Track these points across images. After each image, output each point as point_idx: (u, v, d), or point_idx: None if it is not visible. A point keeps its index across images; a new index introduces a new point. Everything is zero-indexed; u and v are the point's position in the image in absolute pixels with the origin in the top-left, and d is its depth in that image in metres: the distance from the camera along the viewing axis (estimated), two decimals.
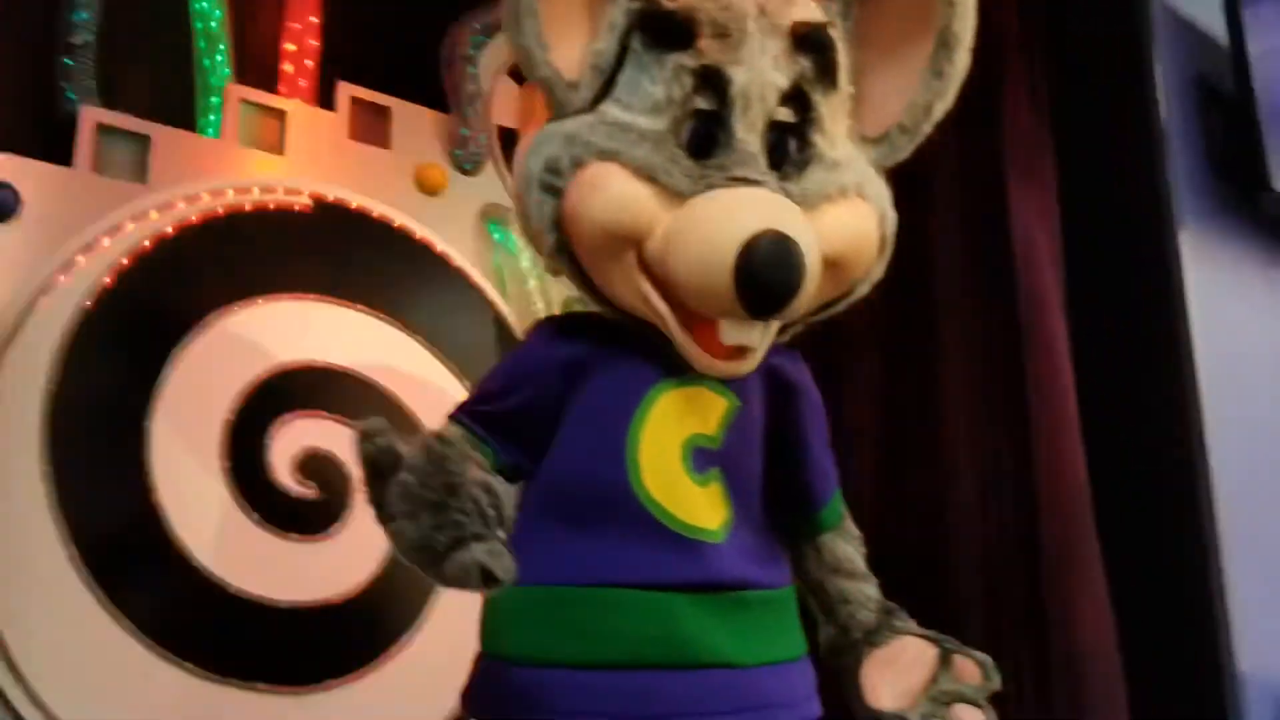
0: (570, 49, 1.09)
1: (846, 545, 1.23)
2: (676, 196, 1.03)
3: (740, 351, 1.07)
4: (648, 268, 1.06)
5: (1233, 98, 2.03)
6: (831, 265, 1.08)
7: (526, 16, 1.05)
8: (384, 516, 0.97)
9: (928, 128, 1.17)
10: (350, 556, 1.78)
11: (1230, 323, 1.94)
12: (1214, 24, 2.12)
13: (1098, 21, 2.08)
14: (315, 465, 1.81)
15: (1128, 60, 2.02)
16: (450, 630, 1.83)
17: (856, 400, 1.99)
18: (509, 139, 2.22)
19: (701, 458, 1.10)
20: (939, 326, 1.93)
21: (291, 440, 1.80)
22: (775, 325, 1.10)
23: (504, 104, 2.24)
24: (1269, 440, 1.98)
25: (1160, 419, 1.85)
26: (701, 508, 1.09)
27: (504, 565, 0.91)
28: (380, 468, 0.96)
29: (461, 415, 1.14)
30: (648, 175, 1.03)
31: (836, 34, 1.13)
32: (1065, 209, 1.91)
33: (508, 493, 1.05)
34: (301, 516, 1.78)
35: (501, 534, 0.95)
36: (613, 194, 1.03)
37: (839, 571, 1.21)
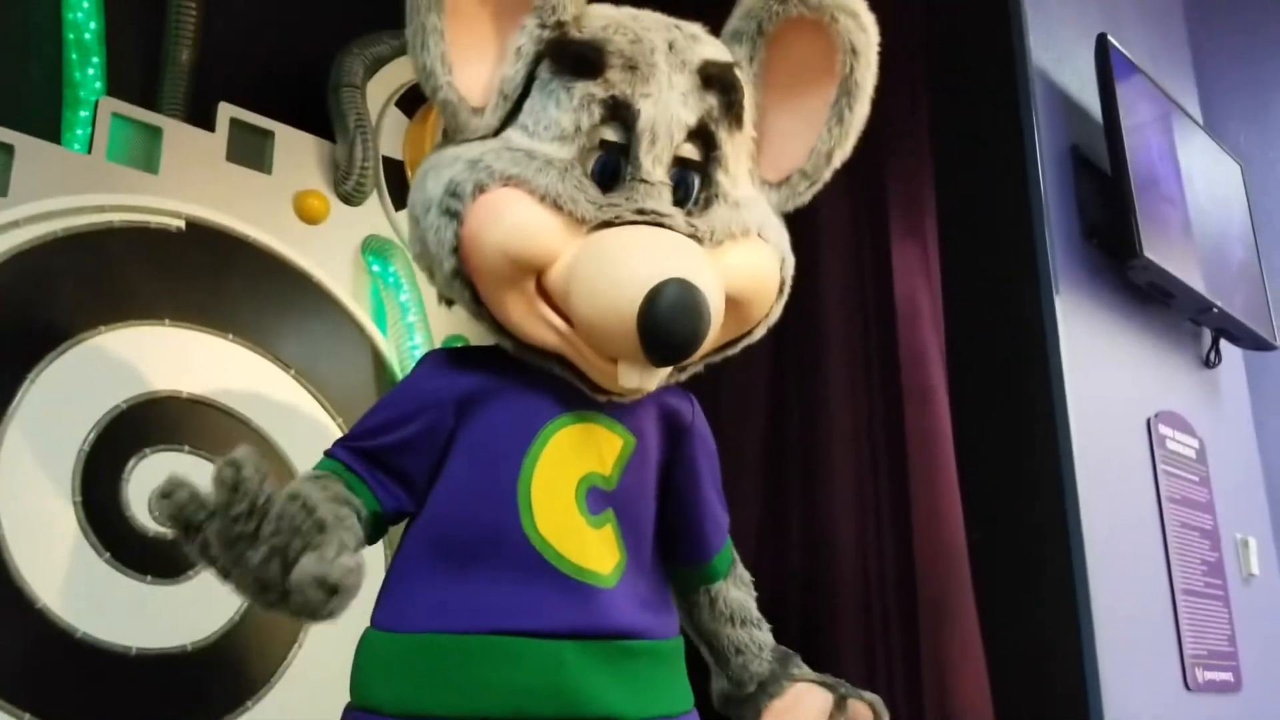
0: (474, 73, 1.08)
1: (739, 592, 1.23)
2: (581, 224, 1.02)
3: (636, 391, 1.07)
4: (547, 295, 1.04)
5: (1105, 168, 2.11)
6: (733, 304, 1.08)
7: (431, 35, 1.05)
8: (220, 571, 0.90)
9: (828, 174, 1.20)
10: (209, 600, 1.68)
11: (1102, 383, 2.00)
12: (1088, 97, 2.20)
13: (980, 92, 2.14)
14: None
15: (1007, 130, 2.08)
16: (316, 680, 1.74)
17: (739, 453, 1.99)
18: (394, 170, 2.17)
19: (596, 498, 1.08)
20: (823, 379, 1.94)
21: (151, 475, 1.69)
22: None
23: (391, 134, 2.19)
24: (1137, 498, 2.04)
25: (1034, 476, 1.89)
26: (594, 550, 1.06)
27: (341, 567, 0.83)
28: (188, 522, 0.88)
29: (338, 451, 1.09)
30: (552, 202, 1.02)
31: (743, 75, 1.14)
32: (946, 270, 1.95)
33: (329, 496, 0.99)
34: (158, 556, 1.67)
35: (333, 537, 0.88)
36: (516, 219, 1.01)
37: (732, 620, 1.20)
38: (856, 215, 2.01)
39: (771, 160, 1.20)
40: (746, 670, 1.18)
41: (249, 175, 1.99)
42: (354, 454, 1.09)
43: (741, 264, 1.09)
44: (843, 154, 1.20)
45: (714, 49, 1.15)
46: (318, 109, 2.14)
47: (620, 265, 1.00)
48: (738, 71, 1.13)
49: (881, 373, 1.92)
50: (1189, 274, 2.18)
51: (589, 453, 1.09)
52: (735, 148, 1.14)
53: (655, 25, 1.11)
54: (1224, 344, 2.47)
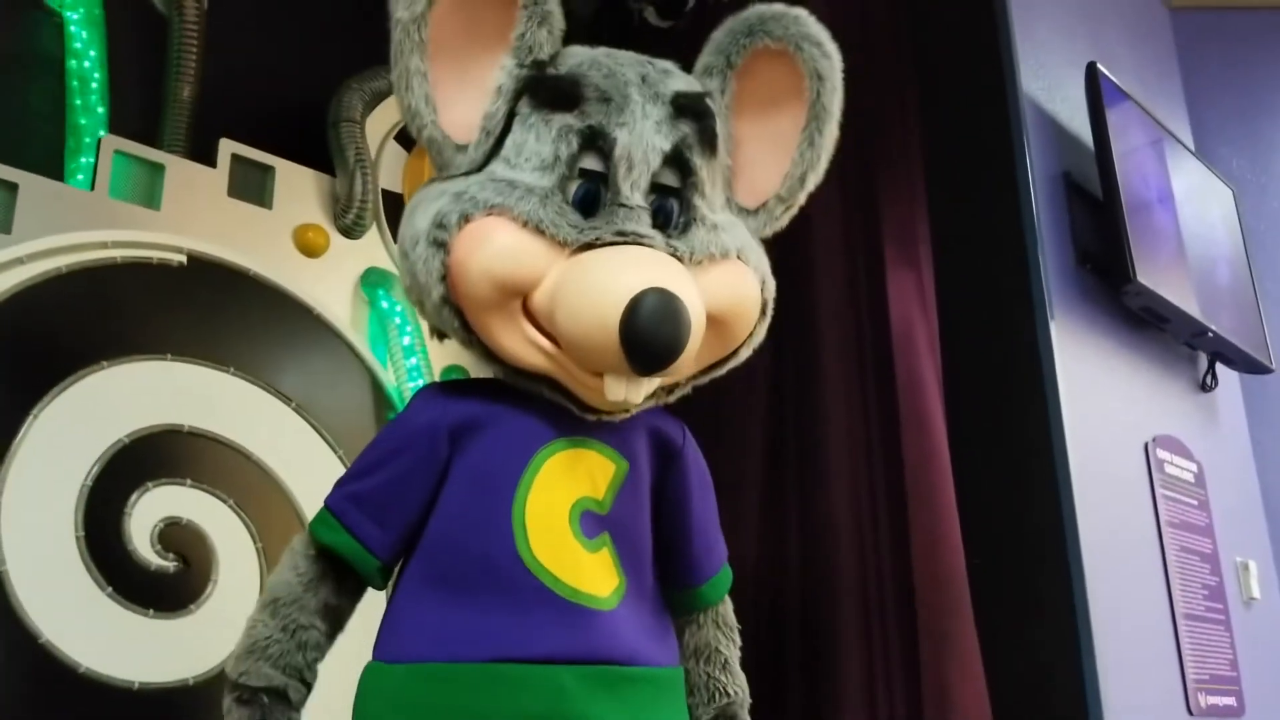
0: (458, 111, 1.12)
1: (715, 631, 1.22)
2: (563, 248, 1.05)
3: (623, 404, 1.08)
4: (533, 318, 1.07)
5: (1098, 194, 2.13)
6: (715, 323, 1.10)
7: (415, 77, 1.08)
8: None
9: (802, 197, 1.22)
10: (212, 634, 1.69)
11: (1098, 407, 2.01)
12: (1079, 125, 2.23)
13: (972, 121, 2.17)
14: (177, 536, 1.72)
15: (1000, 158, 2.10)
16: (318, 713, 1.74)
17: (738, 480, 2.00)
18: (393, 203, 2.19)
19: (591, 522, 1.09)
20: (820, 407, 1.95)
21: (153, 509, 1.70)
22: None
23: (390, 168, 2.21)
24: (1136, 522, 2.05)
25: (1032, 501, 1.89)
26: (592, 574, 1.07)
27: None
28: None
29: (334, 501, 1.12)
30: (535, 227, 1.05)
31: (715, 106, 1.18)
32: (941, 297, 1.96)
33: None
34: (160, 590, 1.68)
35: None
36: (500, 244, 1.04)
37: (697, 655, 1.20)
38: (851, 244, 2.03)
39: (747, 187, 1.22)
40: (695, 712, 1.19)
41: (250, 210, 2.01)
42: (349, 500, 1.11)
43: (722, 283, 1.11)
44: (815, 177, 1.22)
45: (685, 82, 1.18)
46: (317, 144, 2.17)
47: (602, 279, 1.02)
48: (709, 101, 1.17)
49: (878, 400, 1.93)
50: (1183, 298, 2.19)
51: (582, 477, 1.10)
52: (711, 174, 1.16)
53: (628, 61, 1.15)
54: (1220, 367, 2.48)
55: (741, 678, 1.21)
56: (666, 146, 1.11)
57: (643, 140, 1.10)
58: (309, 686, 1.09)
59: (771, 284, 1.18)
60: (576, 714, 1.02)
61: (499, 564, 1.05)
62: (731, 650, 1.22)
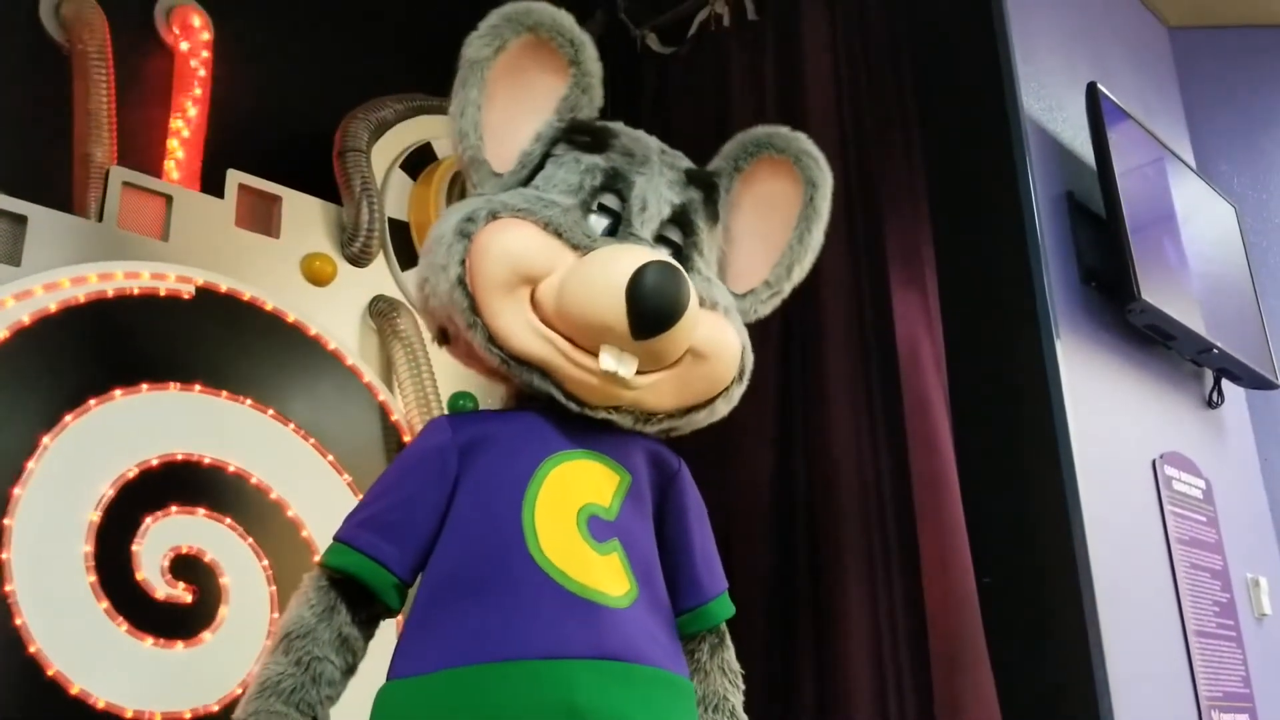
0: (500, 145, 1.27)
1: (721, 680, 1.24)
2: (575, 250, 1.17)
3: (615, 379, 1.15)
4: (537, 307, 1.15)
5: (1101, 213, 2.14)
6: (699, 358, 1.20)
7: (470, 106, 1.24)
8: None
9: (788, 288, 1.38)
10: (224, 663, 1.69)
11: (1106, 425, 2.01)
12: (1081, 144, 2.24)
13: (974, 142, 2.18)
14: (187, 565, 1.72)
15: (1003, 178, 2.11)
16: None
17: (749, 504, 2.00)
18: (400, 232, 2.21)
19: (599, 527, 1.14)
20: (828, 428, 1.95)
21: (163, 538, 1.71)
22: (651, 376, 1.17)
23: (396, 197, 2.23)
24: (1145, 539, 2.04)
25: (1041, 520, 1.89)
26: (602, 574, 1.11)
27: None
28: None
29: (346, 531, 1.15)
30: (554, 231, 1.18)
31: (720, 191, 1.35)
32: (947, 318, 1.97)
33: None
34: (170, 619, 1.68)
35: None
36: (521, 233, 1.17)
37: (704, 703, 1.22)
38: (856, 267, 2.04)
39: (737, 275, 1.37)
40: None
41: (258, 240, 2.02)
42: (360, 527, 1.15)
43: (710, 323, 1.22)
44: (801, 271, 1.37)
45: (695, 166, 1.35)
46: (324, 174, 2.18)
47: (612, 256, 1.14)
48: (716, 179, 1.35)
49: (886, 421, 1.93)
50: (1188, 315, 2.20)
51: (588, 485, 1.16)
52: (710, 241, 1.32)
53: (651, 140, 1.33)
54: (1226, 384, 2.48)
55: None
56: (676, 200, 1.27)
57: (657, 190, 1.25)
58: None
59: (750, 355, 1.29)
60: (591, 708, 1.04)
61: (509, 563, 1.09)
62: (738, 696, 1.25)
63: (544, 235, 1.16)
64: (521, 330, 1.15)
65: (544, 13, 1.27)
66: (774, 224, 1.37)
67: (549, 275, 1.15)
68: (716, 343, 1.22)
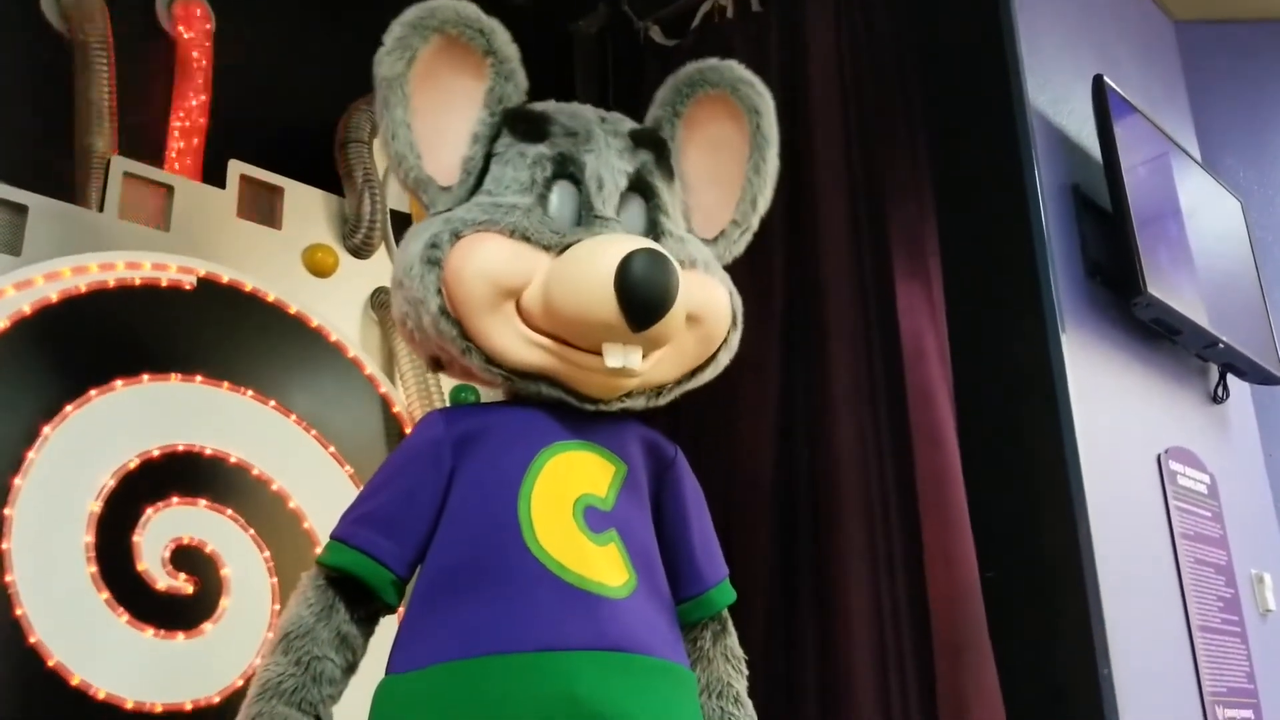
0: (440, 157, 1.23)
1: (725, 666, 1.24)
2: (548, 251, 1.15)
3: (623, 372, 1.14)
4: (525, 319, 1.14)
5: (1106, 206, 2.13)
6: (693, 322, 1.19)
7: (400, 128, 1.20)
8: None
9: (755, 221, 1.35)
10: (224, 654, 1.68)
11: (1110, 420, 2.00)
12: (1087, 137, 2.23)
13: (979, 134, 2.17)
14: (188, 557, 1.72)
15: (1008, 171, 2.10)
16: None
17: (751, 498, 2.00)
18: (402, 223, 2.20)
19: (596, 517, 1.13)
20: (832, 421, 1.95)
21: (164, 529, 1.70)
22: (653, 356, 1.17)
23: (398, 188, 2.22)
24: (1150, 534, 2.04)
25: (1046, 514, 1.88)
26: (599, 565, 1.11)
27: None
28: None
29: (343, 529, 1.14)
30: (521, 236, 1.15)
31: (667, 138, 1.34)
32: (951, 311, 1.96)
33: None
34: (170, 610, 1.67)
35: None
36: (491, 248, 1.14)
37: (708, 690, 1.22)
38: (860, 259, 2.03)
39: (704, 221, 1.35)
40: None
41: (259, 231, 2.02)
42: (356, 524, 1.14)
43: (695, 284, 1.20)
44: (765, 200, 1.35)
45: (638, 125, 1.32)
46: (326, 165, 2.17)
47: (592, 252, 1.12)
48: (661, 134, 1.32)
49: (890, 415, 1.92)
50: (1193, 310, 2.19)
51: (583, 476, 1.15)
52: (672, 198, 1.30)
53: (586, 109, 1.29)
54: (1231, 378, 2.47)
55: (750, 707, 1.24)
56: (630, 169, 1.24)
57: (609, 164, 1.23)
58: None
59: (738, 297, 1.28)
60: (592, 698, 1.03)
61: (506, 555, 1.08)
62: (741, 683, 1.25)
63: (513, 243, 1.14)
64: (517, 344, 1.14)
65: (446, 9, 1.22)
66: (727, 161, 1.35)
67: (529, 283, 1.13)
68: (706, 302, 1.21)
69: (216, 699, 1.67)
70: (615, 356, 1.12)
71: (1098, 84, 2.15)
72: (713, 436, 2.04)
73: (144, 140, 1.98)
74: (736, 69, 1.35)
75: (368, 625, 1.15)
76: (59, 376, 1.67)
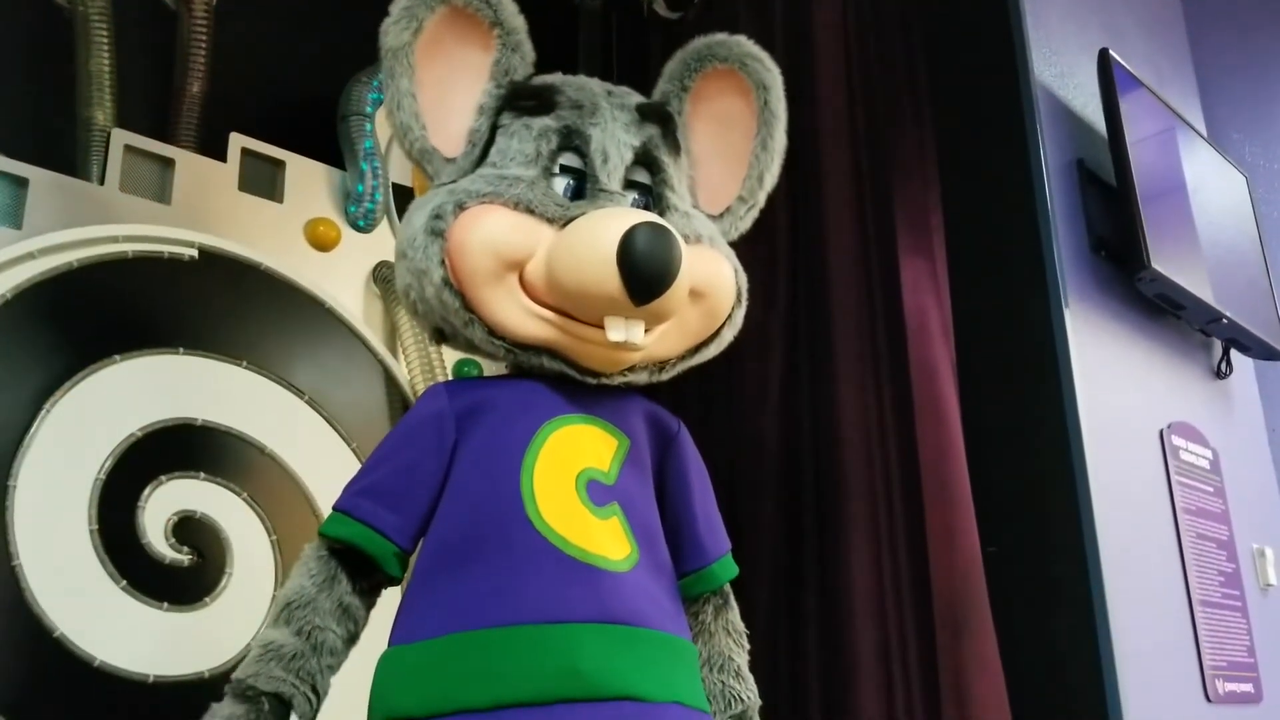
0: (444, 129, 1.24)
1: (726, 640, 1.25)
2: (552, 224, 1.14)
3: (626, 345, 1.14)
4: (529, 290, 1.14)
5: (1111, 181, 2.12)
6: (697, 297, 1.19)
7: (405, 98, 1.20)
8: None
9: (762, 197, 1.35)
10: (227, 626, 1.69)
11: (1113, 395, 2.00)
12: (1092, 111, 2.22)
13: (983, 108, 2.16)
14: (191, 530, 1.72)
15: (1012, 145, 2.09)
16: (334, 704, 1.74)
17: (754, 471, 2.00)
18: (404, 197, 2.19)
19: (598, 491, 1.13)
20: (835, 396, 1.94)
21: (167, 502, 1.70)
22: (656, 331, 1.17)
23: (400, 162, 2.21)
24: (1152, 509, 2.04)
25: (1048, 489, 1.88)
26: (602, 538, 1.11)
27: None
28: None
29: (345, 500, 1.14)
30: (525, 208, 1.15)
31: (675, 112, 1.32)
32: (955, 286, 1.95)
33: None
34: (174, 583, 1.68)
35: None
36: (495, 220, 1.13)
37: (709, 664, 1.22)
38: (864, 234, 2.02)
39: (710, 197, 1.35)
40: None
41: (261, 204, 2.01)
42: (359, 496, 1.14)
43: (699, 258, 1.19)
44: (772, 177, 1.35)
45: (645, 99, 1.32)
46: (328, 138, 2.16)
47: (595, 224, 1.12)
48: (669, 109, 1.32)
49: (893, 389, 1.92)
50: (1198, 285, 2.18)
51: (586, 450, 1.16)
52: (678, 173, 1.30)
53: (593, 82, 1.29)
54: (1235, 354, 2.47)
55: (751, 681, 1.24)
56: (636, 143, 1.23)
57: (615, 137, 1.22)
58: (319, 698, 1.09)
59: (743, 274, 1.27)
60: (594, 668, 1.03)
61: (508, 527, 1.08)
62: (743, 656, 1.25)
63: (517, 215, 1.14)
64: (519, 317, 1.14)
65: None
66: (734, 136, 1.35)
67: (532, 255, 1.13)
68: (710, 277, 1.21)
69: (223, 668, 1.67)
70: (617, 330, 1.12)
71: (1103, 58, 2.13)
72: (716, 412, 2.03)
73: (145, 112, 1.98)
74: (745, 44, 1.34)
75: (370, 596, 1.16)
76: (60, 350, 1.66)
